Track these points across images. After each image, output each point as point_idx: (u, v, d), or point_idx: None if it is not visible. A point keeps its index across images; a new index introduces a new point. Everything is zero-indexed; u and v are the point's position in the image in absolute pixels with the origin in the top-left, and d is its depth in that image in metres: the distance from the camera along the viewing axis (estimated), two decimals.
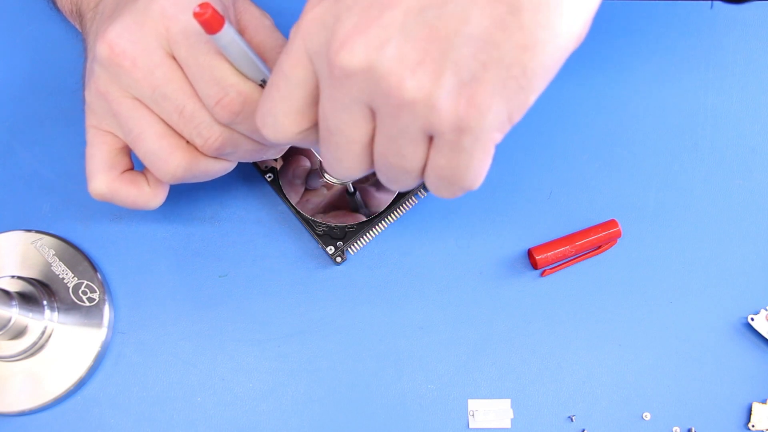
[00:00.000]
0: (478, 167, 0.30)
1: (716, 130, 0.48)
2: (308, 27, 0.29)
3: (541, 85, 0.28)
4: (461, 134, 0.28)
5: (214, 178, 0.39)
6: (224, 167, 0.39)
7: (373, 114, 0.29)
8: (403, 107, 0.28)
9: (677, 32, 0.50)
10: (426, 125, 0.28)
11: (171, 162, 0.36)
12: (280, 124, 0.31)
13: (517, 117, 0.28)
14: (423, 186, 0.44)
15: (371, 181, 0.45)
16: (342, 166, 0.32)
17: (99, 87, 0.36)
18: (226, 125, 0.35)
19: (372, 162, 0.32)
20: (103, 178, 0.38)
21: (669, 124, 0.48)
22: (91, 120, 0.38)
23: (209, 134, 0.35)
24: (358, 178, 0.33)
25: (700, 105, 0.49)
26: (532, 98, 0.28)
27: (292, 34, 0.30)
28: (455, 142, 0.28)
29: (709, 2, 0.50)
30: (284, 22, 0.39)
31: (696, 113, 0.49)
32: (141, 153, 0.36)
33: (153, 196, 0.40)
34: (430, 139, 0.29)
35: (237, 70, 0.34)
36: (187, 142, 0.36)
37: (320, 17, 0.29)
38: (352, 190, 0.45)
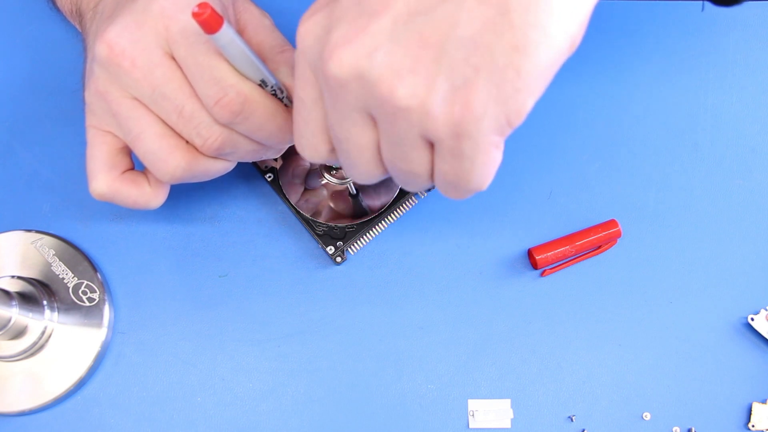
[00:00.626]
0: (482, 171, 0.30)
1: (716, 130, 0.48)
2: (303, 41, 0.30)
3: (538, 88, 0.28)
4: (459, 140, 0.28)
5: (213, 177, 0.39)
6: (224, 167, 0.39)
7: (374, 120, 0.29)
8: (398, 114, 0.28)
9: (677, 32, 0.50)
10: (423, 131, 0.28)
11: (170, 162, 0.36)
12: (313, 146, 0.32)
13: (517, 120, 0.28)
14: None
15: None
16: (358, 172, 0.32)
17: (98, 87, 0.36)
18: (226, 125, 0.35)
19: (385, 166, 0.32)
20: (104, 178, 0.38)
21: (669, 124, 0.48)
22: (91, 120, 0.38)
23: (209, 134, 0.35)
24: (378, 181, 0.33)
25: (700, 105, 0.49)
26: (530, 101, 0.28)
27: (295, 56, 0.31)
28: (455, 148, 0.28)
29: (703, 3, 0.50)
30: (284, 22, 0.39)
31: (696, 113, 0.49)
32: (140, 153, 0.36)
33: (154, 196, 0.40)
34: (432, 143, 0.29)
35: (236, 70, 0.34)
36: (187, 142, 0.36)
37: (312, 30, 0.29)
38: (354, 191, 0.45)
